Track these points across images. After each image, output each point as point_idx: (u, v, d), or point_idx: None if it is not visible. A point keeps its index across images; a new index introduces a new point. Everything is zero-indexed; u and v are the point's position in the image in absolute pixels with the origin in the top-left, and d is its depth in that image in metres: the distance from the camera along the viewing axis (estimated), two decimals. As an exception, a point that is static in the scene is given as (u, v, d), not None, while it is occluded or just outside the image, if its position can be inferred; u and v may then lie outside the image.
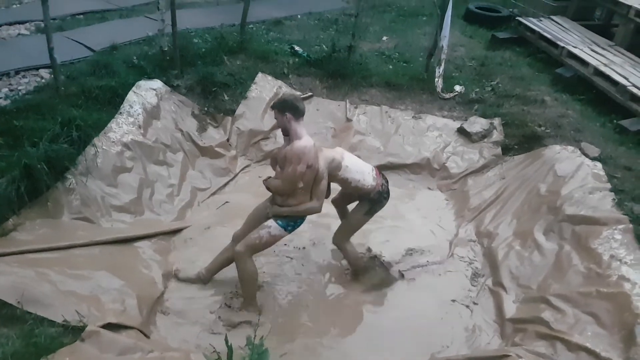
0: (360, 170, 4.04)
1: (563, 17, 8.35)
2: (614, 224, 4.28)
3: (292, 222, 3.87)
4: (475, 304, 4.36)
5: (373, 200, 4.10)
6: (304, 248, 4.73)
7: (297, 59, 7.09)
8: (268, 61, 6.89)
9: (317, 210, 3.87)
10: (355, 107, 6.54)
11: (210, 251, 4.36)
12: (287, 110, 3.68)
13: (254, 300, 4.02)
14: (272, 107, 3.84)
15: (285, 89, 6.57)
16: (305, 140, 3.67)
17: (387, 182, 4.21)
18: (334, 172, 3.91)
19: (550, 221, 4.67)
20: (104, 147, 4.72)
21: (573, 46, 7.23)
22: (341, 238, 4.30)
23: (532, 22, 8.11)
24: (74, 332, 3.20)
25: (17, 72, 6.01)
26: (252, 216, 4.11)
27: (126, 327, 3.48)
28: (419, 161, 5.98)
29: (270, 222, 3.85)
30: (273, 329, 3.86)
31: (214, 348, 3.09)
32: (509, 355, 3.45)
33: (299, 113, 3.69)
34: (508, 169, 5.65)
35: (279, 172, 3.79)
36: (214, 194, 5.44)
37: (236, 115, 6.16)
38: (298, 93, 6.38)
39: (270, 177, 3.89)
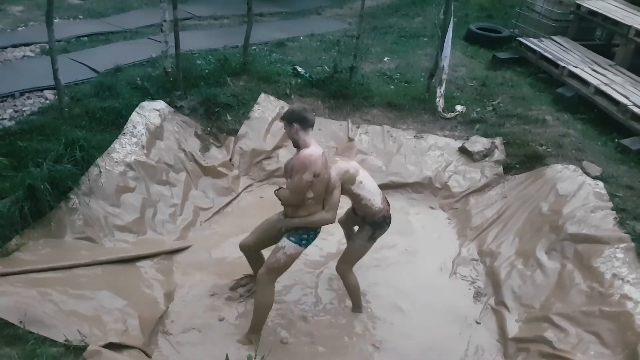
0: (373, 190, 4.03)
1: (564, 37, 8.45)
2: (616, 243, 4.28)
3: (304, 235, 3.74)
4: (478, 323, 4.34)
5: (376, 224, 4.05)
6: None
7: (299, 80, 7.17)
8: (270, 82, 6.97)
9: (331, 220, 3.76)
10: (357, 127, 6.59)
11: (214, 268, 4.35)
12: (295, 121, 3.58)
13: (260, 330, 3.91)
14: (282, 119, 3.76)
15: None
16: (312, 149, 3.57)
17: (390, 208, 4.21)
18: (347, 184, 3.88)
19: (552, 240, 4.67)
20: (107, 168, 4.76)
21: (574, 66, 7.30)
22: (345, 267, 4.21)
23: (532, 43, 8.20)
24: (75, 351, 3.19)
25: (21, 94, 6.10)
26: (262, 226, 4.04)
27: (128, 347, 3.48)
28: (420, 180, 5.99)
29: (284, 242, 3.75)
30: (274, 350, 3.81)
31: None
32: (512, 375, 3.43)
33: (307, 123, 3.59)
34: (510, 188, 5.66)
35: (289, 182, 3.71)
36: (216, 213, 5.45)
37: (239, 135, 6.21)
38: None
39: (281, 188, 3.80)
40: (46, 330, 3.29)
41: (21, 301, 3.42)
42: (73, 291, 3.67)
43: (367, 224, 4.08)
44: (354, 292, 4.29)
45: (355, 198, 4.00)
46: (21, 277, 3.65)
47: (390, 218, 4.15)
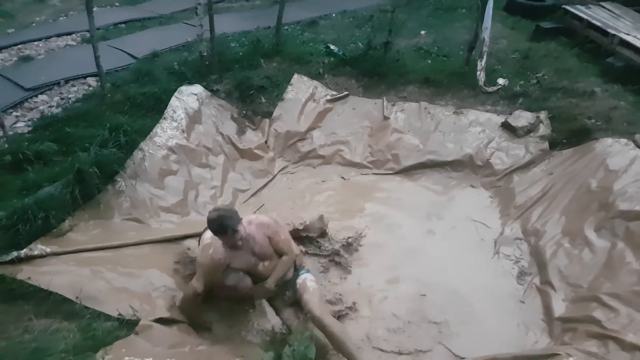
0: None
1: (614, 3, 7.99)
2: (670, 219, 4.10)
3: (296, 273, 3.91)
4: (522, 302, 4.27)
5: None
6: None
7: (332, 59, 7.11)
8: (303, 62, 6.95)
9: (294, 257, 3.92)
10: (393, 105, 6.49)
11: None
12: (224, 231, 3.43)
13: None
14: (217, 234, 3.52)
15: (320, 89, 6.61)
16: (259, 219, 3.73)
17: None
18: None
19: (601, 218, 4.51)
20: (150, 151, 4.87)
21: (625, 33, 6.89)
22: None
23: (579, 10, 7.78)
24: (128, 326, 3.33)
25: (66, 81, 6.30)
26: None
27: (177, 322, 3.60)
28: (460, 158, 5.85)
29: (301, 280, 3.82)
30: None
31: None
32: (558, 354, 3.36)
33: (226, 232, 3.44)
34: (556, 164, 5.46)
35: (281, 245, 3.73)
36: (253, 195, 5.52)
37: (273, 117, 6.24)
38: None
39: (261, 284, 3.75)
40: (100, 306, 3.44)
41: (76, 279, 3.57)
42: (123, 269, 3.79)
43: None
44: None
45: None
46: (75, 256, 3.80)
47: None
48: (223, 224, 3.40)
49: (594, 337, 3.61)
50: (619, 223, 4.34)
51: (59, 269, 3.65)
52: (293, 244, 3.96)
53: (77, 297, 3.43)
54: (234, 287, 3.67)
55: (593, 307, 3.84)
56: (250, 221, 3.69)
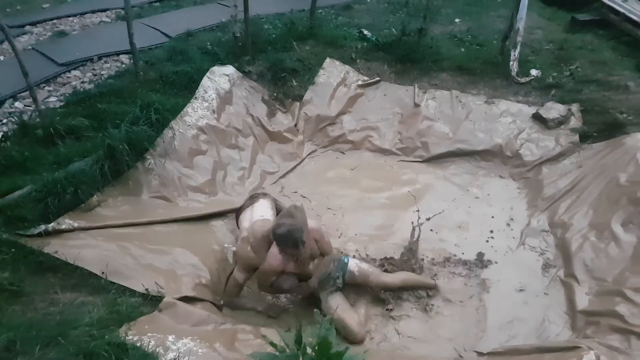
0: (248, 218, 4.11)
1: (652, -4, 7.75)
2: (701, 217, 4.00)
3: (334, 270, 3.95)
4: (545, 294, 4.23)
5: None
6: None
7: (365, 44, 7.05)
8: (336, 46, 6.90)
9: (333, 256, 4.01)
10: (424, 92, 6.42)
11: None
12: (299, 244, 3.51)
13: None
14: (287, 248, 3.59)
15: (352, 74, 6.57)
16: (310, 225, 3.68)
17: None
18: None
19: (630, 212, 4.43)
20: (180, 131, 4.93)
21: (662, 28, 6.71)
22: None
23: (616, 3, 7.59)
24: (152, 302, 3.40)
25: (99, 58, 6.40)
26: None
27: (201, 300, 3.66)
28: (490, 148, 5.80)
29: (354, 267, 3.97)
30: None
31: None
32: (579, 347, 3.35)
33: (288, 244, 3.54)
34: (586, 157, 5.37)
35: (325, 246, 3.84)
36: (282, 177, 5.55)
37: (304, 100, 6.23)
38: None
39: (305, 282, 3.87)
40: (126, 281, 3.51)
41: (103, 254, 3.65)
42: (150, 246, 3.88)
43: None
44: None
45: None
46: (102, 231, 3.89)
47: None
48: (295, 239, 3.45)
49: (616, 331, 3.59)
50: (647, 218, 4.24)
51: (86, 243, 3.73)
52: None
53: (102, 272, 3.50)
54: (281, 287, 3.76)
55: (617, 301, 3.81)
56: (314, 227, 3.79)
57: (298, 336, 2.31)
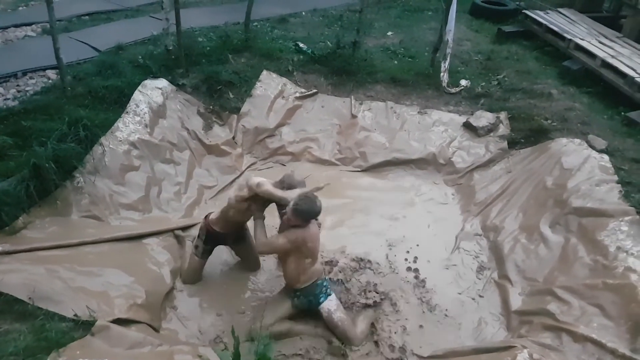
0: None
1: (570, 9, 8.33)
2: (620, 216, 4.28)
3: (317, 293, 3.91)
4: (480, 296, 4.38)
5: None
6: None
7: (301, 56, 7.11)
8: (273, 59, 6.92)
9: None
10: (361, 104, 6.55)
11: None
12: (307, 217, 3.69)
13: None
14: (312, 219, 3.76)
15: (289, 86, 6.60)
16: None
17: None
18: None
19: (556, 214, 4.67)
20: (111, 146, 4.77)
21: (580, 38, 7.20)
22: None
23: (538, 15, 8.08)
24: (84, 327, 3.25)
25: (24, 73, 6.09)
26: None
27: (136, 322, 3.53)
28: (424, 156, 5.97)
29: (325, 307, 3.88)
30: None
31: (221, 339, 3.10)
32: (514, 347, 3.47)
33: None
34: (514, 162, 5.64)
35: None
36: (220, 191, 5.46)
37: (241, 113, 6.19)
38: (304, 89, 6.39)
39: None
40: (55, 306, 3.34)
41: (29, 278, 3.46)
42: (80, 268, 3.71)
43: None
44: None
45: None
46: (29, 254, 3.69)
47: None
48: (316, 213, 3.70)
49: (548, 329, 3.74)
50: (572, 219, 4.50)
51: (11, 267, 3.54)
52: None
53: (29, 297, 3.32)
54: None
55: (548, 300, 3.97)
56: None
57: (236, 355, 2.27)
